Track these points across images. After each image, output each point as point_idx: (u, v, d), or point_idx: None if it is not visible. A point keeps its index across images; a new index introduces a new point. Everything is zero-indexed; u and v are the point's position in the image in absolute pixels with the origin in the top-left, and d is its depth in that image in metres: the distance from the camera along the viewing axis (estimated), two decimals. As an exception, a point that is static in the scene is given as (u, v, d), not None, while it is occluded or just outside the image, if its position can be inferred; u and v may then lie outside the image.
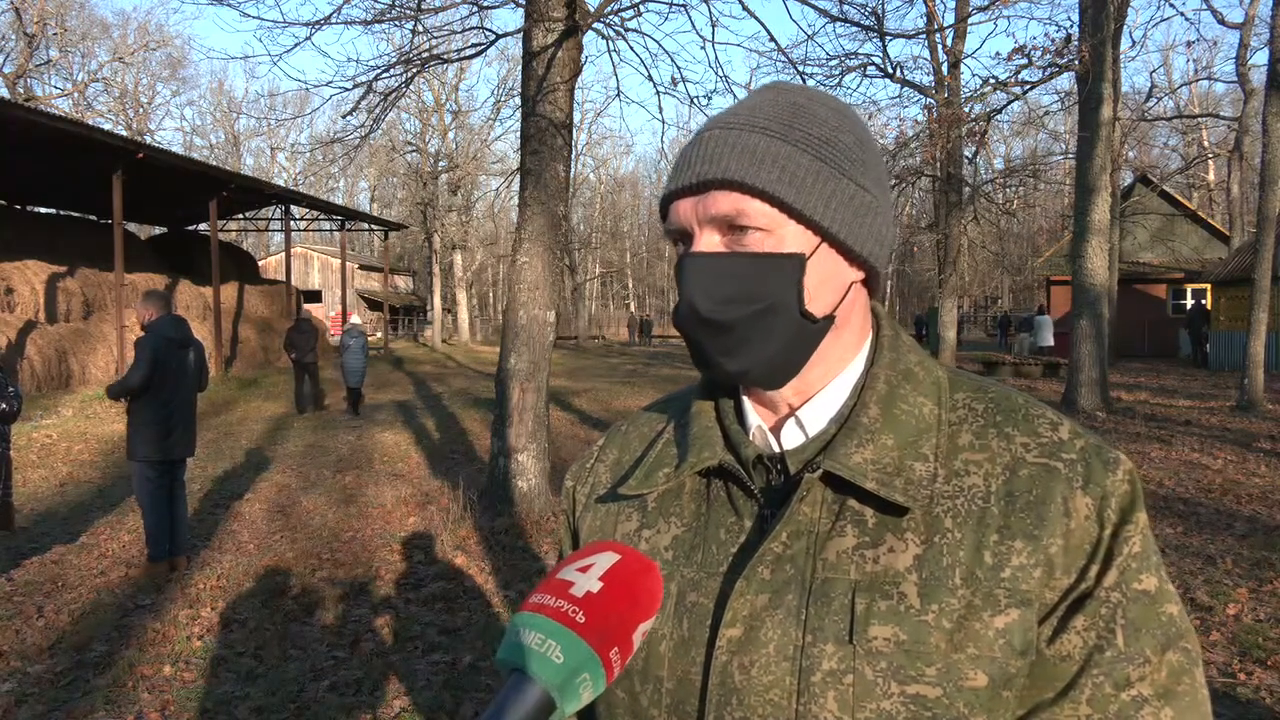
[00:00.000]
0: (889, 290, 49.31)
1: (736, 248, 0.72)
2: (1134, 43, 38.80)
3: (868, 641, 0.66)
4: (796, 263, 0.72)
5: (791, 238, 0.72)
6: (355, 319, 13.81)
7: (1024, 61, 10.52)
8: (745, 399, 0.80)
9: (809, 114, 0.75)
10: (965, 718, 0.65)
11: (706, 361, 0.74)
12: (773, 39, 7.66)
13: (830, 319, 0.74)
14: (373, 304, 41.48)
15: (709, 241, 0.73)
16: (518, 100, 7.49)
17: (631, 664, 0.74)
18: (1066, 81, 17.89)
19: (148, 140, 34.02)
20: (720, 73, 17.60)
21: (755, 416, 0.78)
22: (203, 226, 25.12)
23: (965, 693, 0.65)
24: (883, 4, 13.86)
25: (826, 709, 0.66)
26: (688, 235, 0.74)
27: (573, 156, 9.65)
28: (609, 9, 6.78)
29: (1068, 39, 11.38)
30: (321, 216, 27.00)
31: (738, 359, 0.72)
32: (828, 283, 0.74)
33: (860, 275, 0.77)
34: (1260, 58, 42.76)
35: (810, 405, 0.76)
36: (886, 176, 0.81)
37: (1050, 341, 24.00)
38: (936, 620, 0.66)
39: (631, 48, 26.94)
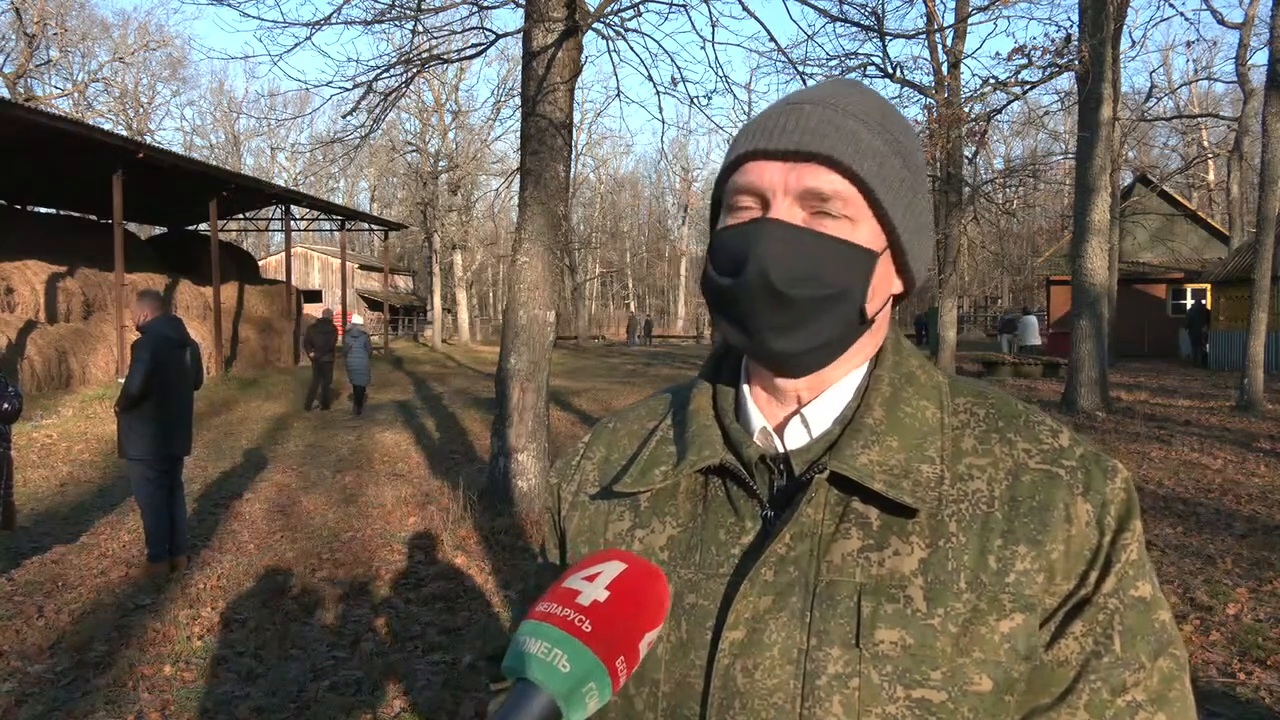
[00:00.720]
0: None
1: (816, 227, 0.70)
2: (1134, 43, 38.82)
3: (874, 645, 0.66)
4: (872, 258, 0.71)
5: (866, 233, 0.71)
6: (357, 319, 14.32)
7: (1024, 61, 10.51)
8: (747, 397, 0.78)
9: (896, 119, 0.74)
10: None
11: (750, 332, 0.71)
12: (773, 39, 7.66)
13: (871, 321, 0.74)
14: (373, 304, 41.47)
15: (790, 213, 0.70)
16: (518, 100, 7.49)
17: None
18: (1066, 81, 17.89)
19: (148, 140, 34.01)
20: (720, 73, 17.57)
21: (759, 417, 0.77)
22: (203, 226, 25.09)
23: (970, 697, 0.65)
24: (883, 4, 13.85)
25: (832, 713, 0.66)
26: (762, 199, 0.71)
27: (573, 156, 9.65)
28: (609, 9, 6.77)
29: (1068, 39, 11.38)
30: (321, 216, 26.98)
31: (788, 339, 0.70)
32: (882, 286, 0.74)
33: (900, 289, 0.77)
34: (1260, 58, 42.74)
35: (816, 404, 0.76)
36: None
37: (1036, 340, 24.16)
38: (943, 624, 0.66)
39: (631, 48, 26.97)
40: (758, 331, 0.71)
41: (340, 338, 14.88)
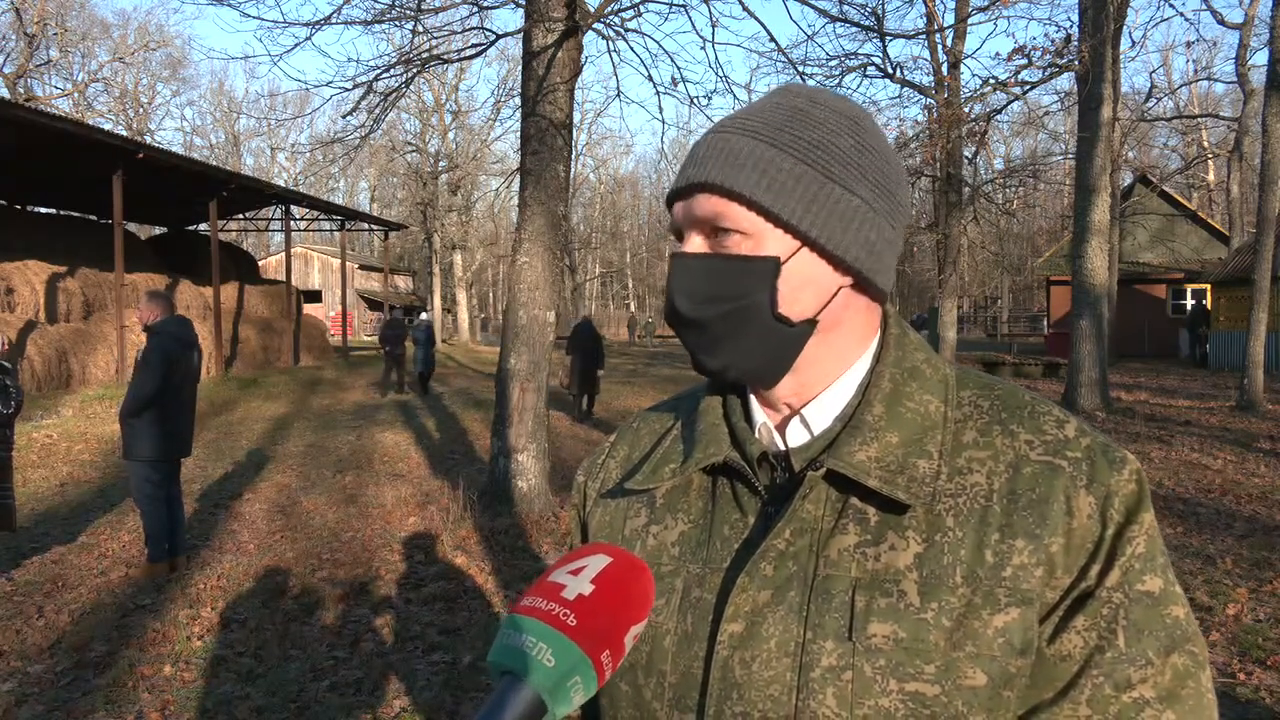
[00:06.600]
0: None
1: (719, 249, 0.73)
2: (1134, 43, 38.79)
3: (867, 639, 0.66)
4: (770, 266, 0.72)
5: (771, 242, 0.72)
6: (425, 315, 17.67)
7: (1024, 62, 10.53)
8: (751, 397, 0.80)
9: (806, 117, 0.74)
10: (964, 716, 0.65)
11: (692, 357, 0.77)
12: (773, 39, 7.66)
13: (812, 322, 0.73)
14: (373, 304, 41.47)
15: (694, 243, 0.75)
16: (518, 100, 7.49)
17: (635, 658, 0.75)
18: (1066, 81, 17.91)
19: (148, 140, 34.02)
20: (720, 73, 17.57)
21: (761, 414, 0.78)
22: (203, 226, 25.08)
23: (964, 691, 0.65)
24: (883, 4, 13.88)
25: (825, 705, 0.66)
26: (681, 235, 0.77)
27: (573, 156, 9.66)
28: (609, 9, 6.78)
29: (1067, 39, 11.40)
30: (321, 216, 26.97)
31: (715, 356, 0.74)
32: (807, 287, 0.73)
33: (848, 280, 0.75)
34: (1260, 58, 42.78)
35: (814, 404, 0.76)
36: (896, 180, 0.78)
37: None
38: (936, 618, 0.66)
39: (631, 48, 26.97)
40: (694, 355, 0.76)
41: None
